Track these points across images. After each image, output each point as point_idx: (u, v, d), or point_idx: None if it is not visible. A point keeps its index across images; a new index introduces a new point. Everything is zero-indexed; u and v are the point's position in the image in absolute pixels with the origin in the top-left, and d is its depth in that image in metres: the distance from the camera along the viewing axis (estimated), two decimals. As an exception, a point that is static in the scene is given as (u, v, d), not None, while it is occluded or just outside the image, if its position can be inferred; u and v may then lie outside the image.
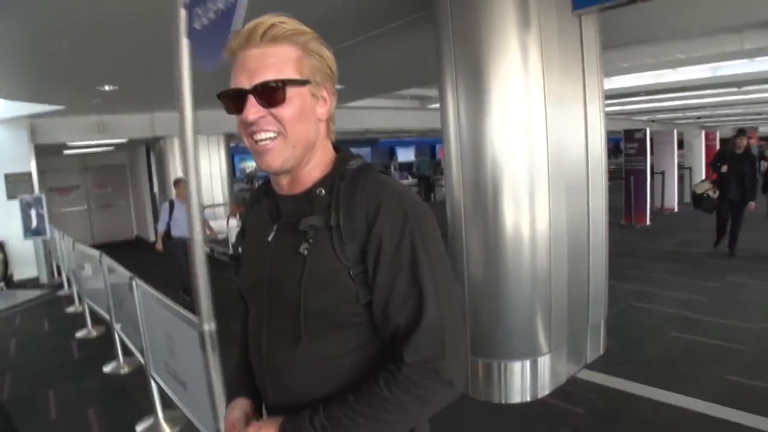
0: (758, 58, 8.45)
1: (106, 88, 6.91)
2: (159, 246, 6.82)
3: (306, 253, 1.04)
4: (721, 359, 4.13)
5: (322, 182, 1.08)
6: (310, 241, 1.04)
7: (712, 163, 8.11)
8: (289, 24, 1.03)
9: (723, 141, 17.45)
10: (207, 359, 1.50)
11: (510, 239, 3.59)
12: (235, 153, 16.49)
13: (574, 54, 3.83)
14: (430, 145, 22.48)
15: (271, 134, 1.02)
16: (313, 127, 1.07)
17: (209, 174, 11.03)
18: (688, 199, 13.71)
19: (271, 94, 1.00)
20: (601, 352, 4.31)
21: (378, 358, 1.06)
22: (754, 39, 6.94)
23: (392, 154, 21.78)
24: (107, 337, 5.18)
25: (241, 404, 1.22)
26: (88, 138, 9.65)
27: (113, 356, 4.72)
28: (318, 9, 4.06)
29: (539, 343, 3.72)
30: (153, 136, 10.21)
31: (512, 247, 3.60)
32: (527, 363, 3.69)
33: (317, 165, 1.10)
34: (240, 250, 1.31)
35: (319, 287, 1.03)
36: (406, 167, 21.14)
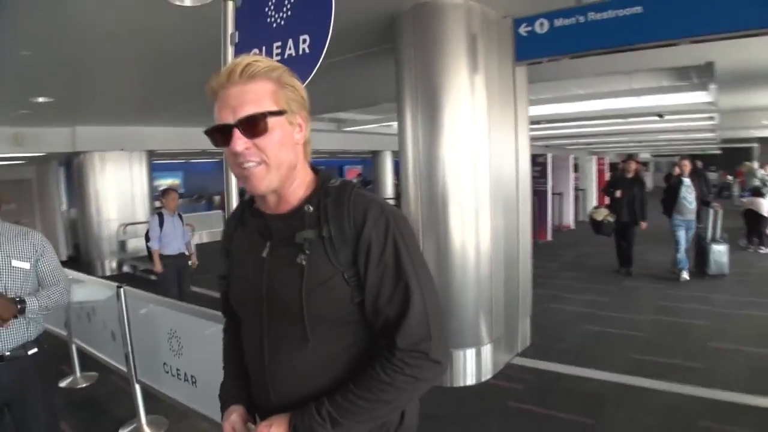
0: (644, 96, 10.02)
1: (40, 100, 6.78)
2: (158, 267, 5.97)
3: (304, 263, 1.17)
4: (625, 343, 5.11)
5: (308, 200, 1.23)
6: (307, 252, 1.17)
7: (606, 189, 8.75)
8: (263, 62, 1.17)
9: (612, 166, 19.68)
10: None
11: (458, 249, 4.28)
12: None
13: (508, 87, 4.60)
14: (338, 165, 23.13)
15: (254, 162, 1.15)
16: (293, 151, 1.20)
17: (131, 191, 10.84)
18: (582, 217, 15.45)
19: (254, 126, 1.13)
20: (529, 342, 5.13)
21: (370, 351, 1.23)
22: (641, 80, 8.36)
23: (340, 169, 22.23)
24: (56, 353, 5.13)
25: (237, 410, 1.35)
26: (2, 151, 9.23)
27: (65, 372, 4.74)
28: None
29: (482, 335, 4.43)
30: (74, 150, 9.90)
31: (460, 255, 4.29)
32: (473, 351, 4.39)
33: (300, 185, 1.24)
34: (223, 271, 1.42)
35: (318, 292, 1.17)
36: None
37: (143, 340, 3.55)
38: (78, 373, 4.73)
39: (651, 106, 11.35)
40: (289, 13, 2.33)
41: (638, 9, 3.43)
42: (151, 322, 3.49)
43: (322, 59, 2.20)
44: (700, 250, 8.03)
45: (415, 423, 1.34)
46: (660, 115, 12.51)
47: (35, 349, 2.57)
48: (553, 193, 13.19)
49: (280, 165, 1.17)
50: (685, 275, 7.65)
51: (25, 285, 2.51)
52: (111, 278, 6.66)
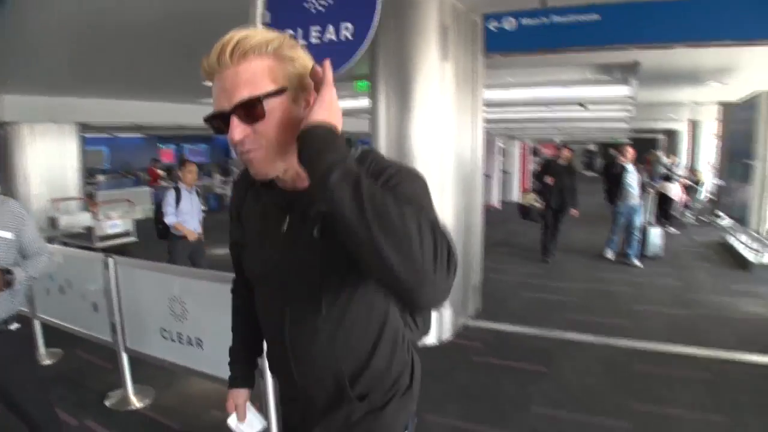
0: (570, 87, 11.00)
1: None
2: (192, 235, 5.52)
3: (317, 234, 1.14)
4: (562, 307, 5.92)
5: None
6: (320, 224, 1.14)
7: (538, 175, 8.75)
8: (255, 35, 1.07)
9: (535, 151, 20.96)
10: None
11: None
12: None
13: (470, 75, 5.14)
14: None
15: (255, 148, 1.09)
16: (299, 129, 1.05)
17: (61, 166, 10.50)
18: (508, 198, 16.57)
19: (250, 111, 1.05)
20: (480, 306, 5.81)
21: (392, 314, 1.27)
22: (569, 72, 9.24)
23: (228, 151, 21.83)
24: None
25: (243, 395, 1.55)
26: None
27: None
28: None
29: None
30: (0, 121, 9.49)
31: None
32: (436, 314, 4.98)
33: None
34: (235, 236, 1.41)
35: (333, 262, 1.14)
36: None
37: (135, 308, 3.61)
38: (42, 350, 4.59)
39: (575, 97, 12.47)
40: (330, 2, 2.72)
41: (596, 17, 4.09)
42: (146, 289, 3.54)
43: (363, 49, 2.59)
44: (639, 234, 8.27)
45: (418, 389, 1.40)
46: (582, 105, 13.73)
47: (18, 324, 2.50)
48: (484, 175, 14.06)
49: (284, 148, 1.10)
50: (609, 254, 8.33)
51: (8, 255, 2.38)
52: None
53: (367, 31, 2.56)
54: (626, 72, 9.91)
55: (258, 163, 1.12)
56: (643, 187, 8.39)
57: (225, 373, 3.12)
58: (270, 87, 1.07)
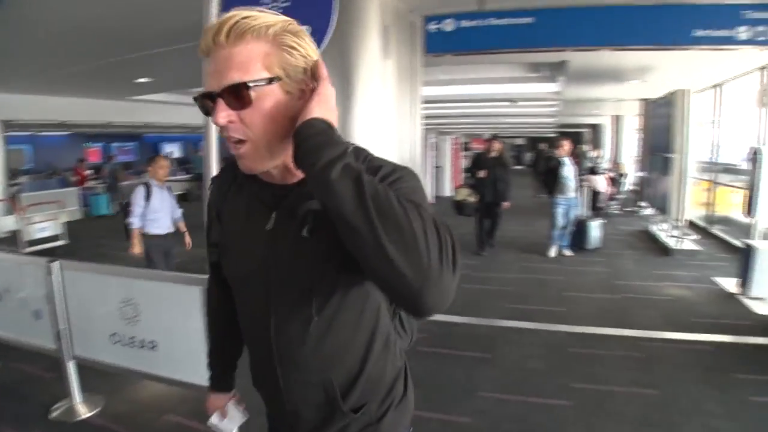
0: (501, 84, 11.45)
1: None
2: (137, 248, 5.20)
3: (307, 234, 1.08)
4: (501, 297, 6.22)
5: None
6: (309, 224, 1.08)
7: (469, 169, 8.85)
8: (257, 17, 1.02)
9: (466, 146, 21.46)
10: None
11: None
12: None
13: (410, 72, 5.32)
14: (194, 141, 22.44)
15: (239, 138, 1.04)
16: (292, 124, 1.01)
17: None
18: (440, 192, 16.97)
19: (237, 96, 1.00)
20: (423, 300, 6.00)
21: (383, 321, 1.23)
22: (500, 70, 9.61)
23: (156, 149, 21.08)
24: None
25: (222, 399, 1.53)
26: None
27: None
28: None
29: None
30: None
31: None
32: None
33: None
34: (214, 237, 1.31)
35: (324, 265, 1.09)
36: (179, 163, 20.72)
37: (82, 314, 3.47)
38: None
39: (505, 93, 12.95)
40: (287, 4, 2.77)
41: (531, 20, 4.35)
42: (95, 293, 3.43)
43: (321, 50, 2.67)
44: (579, 227, 8.53)
45: (413, 399, 1.37)
46: (512, 101, 14.26)
47: None
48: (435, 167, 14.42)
49: (271, 142, 1.05)
50: (552, 252, 8.31)
51: None
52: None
53: (325, 32, 2.64)
54: (554, 70, 10.41)
55: (246, 157, 1.07)
56: (580, 181, 8.59)
57: (181, 374, 3.15)
58: (261, 74, 1.01)
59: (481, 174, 8.21)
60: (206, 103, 1.05)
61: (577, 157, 17.17)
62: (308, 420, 1.23)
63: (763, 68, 7.71)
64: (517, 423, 3.46)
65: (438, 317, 5.50)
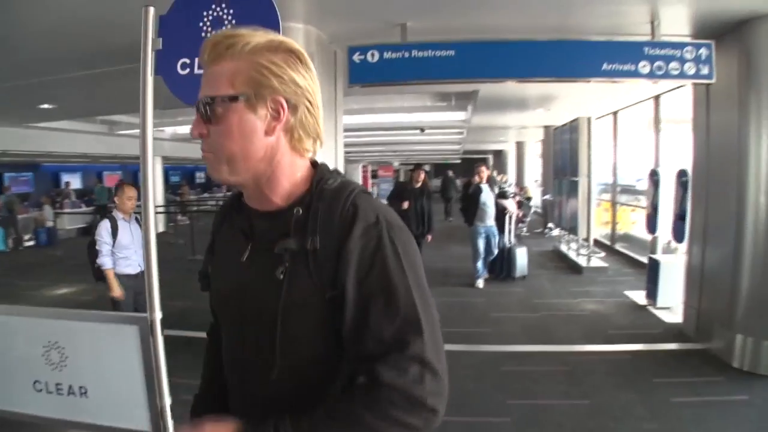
0: (413, 113, 11.89)
1: None
2: (116, 291, 4.63)
3: (282, 277, 1.03)
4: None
5: (299, 201, 1.08)
6: (287, 265, 1.03)
7: (390, 199, 8.17)
8: (239, 36, 1.04)
9: (374, 173, 21.82)
10: (156, 347, 1.94)
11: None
12: None
13: (332, 102, 5.44)
14: (96, 171, 21.31)
15: (205, 149, 1.07)
16: (255, 143, 1.04)
17: None
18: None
19: (204, 112, 1.04)
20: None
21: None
22: (410, 99, 9.97)
23: (57, 180, 19.76)
24: None
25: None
26: None
27: None
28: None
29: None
30: None
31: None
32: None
33: (287, 180, 1.10)
34: (208, 265, 1.29)
35: (295, 312, 1.04)
36: (80, 195, 19.54)
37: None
38: None
39: (415, 122, 13.42)
40: (229, 27, 2.77)
41: (452, 52, 4.60)
42: (11, 338, 3.31)
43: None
44: (505, 255, 8.45)
45: None
46: (421, 129, 14.76)
47: None
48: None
49: (231, 158, 1.05)
50: (480, 283, 8.06)
51: None
52: None
53: None
54: (464, 99, 10.92)
55: (208, 164, 1.09)
56: (501, 208, 8.54)
57: (112, 420, 2.96)
58: (226, 91, 1.03)
59: (405, 205, 7.71)
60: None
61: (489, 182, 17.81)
62: None
63: (657, 97, 8.52)
64: (463, 444, 3.57)
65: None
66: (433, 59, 4.65)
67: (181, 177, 26.07)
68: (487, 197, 8.04)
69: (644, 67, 4.59)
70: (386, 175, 29.59)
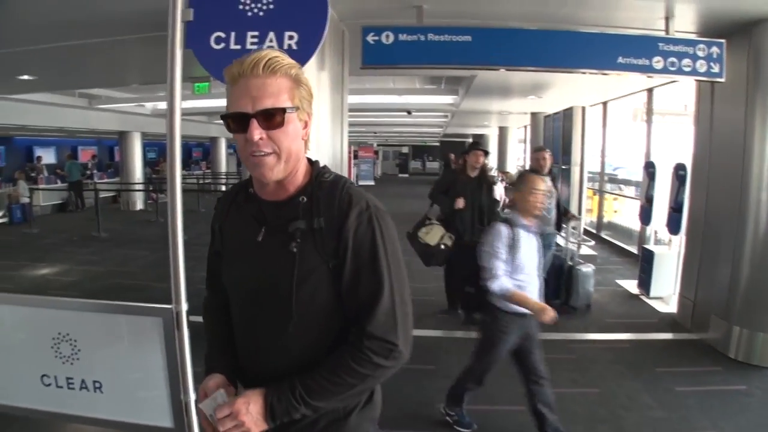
0: (403, 96, 11.89)
1: None
2: (549, 313, 3.16)
3: (295, 251, 1.32)
4: (429, 306, 6.40)
5: (303, 191, 1.37)
6: (298, 241, 1.33)
7: (434, 195, 6.03)
8: (284, 59, 1.31)
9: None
10: (181, 340, 1.97)
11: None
12: None
13: (340, 82, 5.40)
14: (71, 145, 20.50)
15: (266, 152, 1.28)
16: (300, 144, 1.35)
17: None
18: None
19: (271, 118, 1.27)
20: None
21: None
22: (400, 81, 9.90)
23: (30, 154, 18.90)
24: None
25: (215, 378, 1.45)
26: None
27: None
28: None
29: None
30: None
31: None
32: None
33: (300, 175, 1.39)
34: (218, 248, 1.55)
35: (306, 279, 1.33)
36: (53, 170, 18.75)
37: (1, 353, 2.97)
38: None
39: (402, 103, 13.40)
40: (271, 6, 2.69)
41: (468, 38, 4.57)
42: (16, 328, 2.93)
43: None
44: (560, 276, 6.29)
45: (380, 400, 1.56)
46: (408, 112, 14.74)
47: None
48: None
49: (289, 156, 1.31)
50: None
51: None
52: None
53: (315, 42, 2.59)
54: (455, 83, 10.89)
55: (266, 166, 1.30)
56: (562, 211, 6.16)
57: (130, 416, 2.79)
58: (289, 103, 1.30)
59: (460, 204, 5.62)
60: (231, 121, 1.30)
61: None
62: None
63: (650, 89, 8.65)
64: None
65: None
66: (450, 44, 4.61)
67: (158, 153, 25.47)
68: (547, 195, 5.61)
69: (658, 62, 4.64)
70: (366, 156, 29.55)
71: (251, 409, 1.29)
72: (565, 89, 9.17)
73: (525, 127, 16.87)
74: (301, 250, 1.32)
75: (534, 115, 13.01)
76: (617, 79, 7.49)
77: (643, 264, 6.78)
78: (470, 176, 5.76)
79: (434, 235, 5.53)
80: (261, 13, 2.66)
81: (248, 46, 2.70)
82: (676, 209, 6.27)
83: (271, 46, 2.63)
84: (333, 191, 1.36)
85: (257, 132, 1.26)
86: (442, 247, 5.45)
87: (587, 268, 6.26)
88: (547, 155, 6.00)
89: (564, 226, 6.39)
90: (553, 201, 5.63)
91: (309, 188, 1.38)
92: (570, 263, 6.34)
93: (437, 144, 34.43)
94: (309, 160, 1.46)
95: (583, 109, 8.62)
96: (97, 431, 3.37)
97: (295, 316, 1.34)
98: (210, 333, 1.63)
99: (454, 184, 5.81)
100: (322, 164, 1.46)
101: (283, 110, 1.28)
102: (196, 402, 1.60)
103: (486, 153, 5.90)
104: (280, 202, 1.38)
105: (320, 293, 1.34)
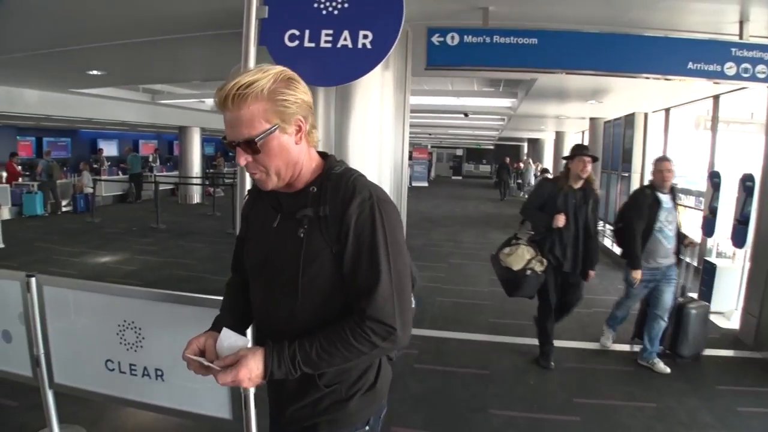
0: (461, 98, 11.79)
1: None
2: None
3: (303, 235, 1.44)
4: (479, 311, 6.36)
5: (314, 182, 1.48)
6: (305, 226, 1.44)
7: (527, 211, 4.86)
8: (254, 82, 1.32)
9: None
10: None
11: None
12: None
13: (403, 81, 5.37)
14: (132, 139, 21.30)
15: (256, 172, 1.43)
16: (292, 153, 1.42)
17: None
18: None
19: (249, 147, 1.36)
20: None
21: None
22: (459, 84, 9.81)
23: (94, 146, 19.79)
24: None
25: (209, 333, 1.55)
26: None
27: None
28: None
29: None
30: None
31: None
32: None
33: (306, 171, 1.48)
34: (243, 234, 1.72)
35: (311, 261, 1.43)
36: (115, 162, 19.67)
37: (67, 337, 3.06)
38: None
39: (459, 105, 13.32)
40: (346, 5, 2.69)
41: (534, 41, 4.49)
42: (84, 314, 3.05)
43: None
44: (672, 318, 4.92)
45: (386, 388, 1.66)
46: (466, 114, 14.63)
47: None
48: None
49: (279, 170, 1.42)
50: (609, 341, 5.28)
51: None
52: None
53: (390, 41, 2.58)
54: (513, 86, 10.71)
55: (260, 182, 1.45)
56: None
57: (189, 405, 2.82)
58: (264, 127, 1.35)
59: (560, 222, 4.55)
60: (228, 144, 1.40)
61: (522, 168, 17.30)
62: (290, 388, 1.53)
63: (716, 96, 8.28)
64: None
65: (421, 332, 5.52)
66: (516, 46, 4.55)
67: (215, 149, 26.09)
68: (667, 217, 4.70)
69: (730, 68, 4.45)
70: (420, 157, 29.46)
71: (251, 366, 1.37)
72: (627, 94, 8.90)
73: (582, 132, 16.46)
74: (308, 235, 1.43)
75: (593, 120, 12.69)
76: (682, 85, 7.22)
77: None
78: (573, 187, 4.65)
79: (519, 257, 4.54)
80: (336, 12, 2.67)
81: (322, 44, 2.72)
82: (742, 221, 5.99)
83: (346, 45, 2.63)
84: (339, 182, 1.45)
85: (242, 159, 1.39)
86: (528, 272, 4.48)
87: (700, 308, 5.01)
88: (672, 167, 4.73)
89: (681, 257, 5.19)
90: (673, 227, 4.73)
91: (320, 179, 1.48)
92: (680, 299, 5.07)
93: (491, 147, 34.15)
94: (321, 154, 1.55)
95: (646, 115, 8.35)
96: (154, 418, 3.49)
97: (301, 294, 1.45)
98: (225, 302, 1.78)
99: (554, 197, 4.63)
100: (338, 158, 1.55)
101: (255, 140, 1.34)
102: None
103: (594, 159, 4.75)
104: (293, 193, 1.50)
105: (324, 274, 1.44)
